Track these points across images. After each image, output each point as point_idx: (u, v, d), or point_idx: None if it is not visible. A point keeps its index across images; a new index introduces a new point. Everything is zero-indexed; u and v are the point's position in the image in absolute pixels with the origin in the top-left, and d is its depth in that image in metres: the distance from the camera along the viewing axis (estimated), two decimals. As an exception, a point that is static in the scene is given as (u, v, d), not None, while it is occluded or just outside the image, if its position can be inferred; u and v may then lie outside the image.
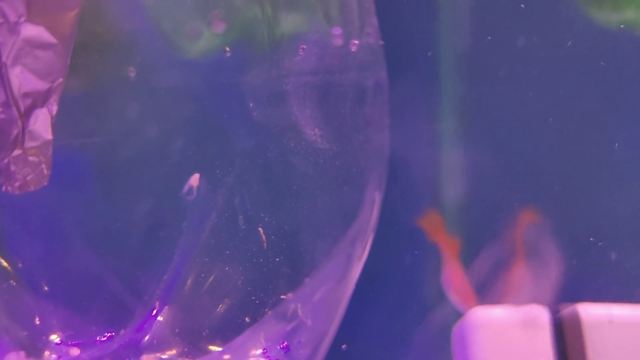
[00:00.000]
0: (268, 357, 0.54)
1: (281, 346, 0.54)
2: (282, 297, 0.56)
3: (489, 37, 0.65)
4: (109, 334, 0.58)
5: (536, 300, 0.54)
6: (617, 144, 0.65)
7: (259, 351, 0.54)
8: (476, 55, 0.66)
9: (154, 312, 0.57)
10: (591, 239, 0.62)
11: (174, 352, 0.56)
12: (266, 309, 0.57)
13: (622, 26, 0.64)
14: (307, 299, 0.53)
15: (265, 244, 0.59)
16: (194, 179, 0.57)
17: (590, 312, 0.49)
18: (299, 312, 0.54)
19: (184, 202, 0.61)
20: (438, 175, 0.64)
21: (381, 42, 0.55)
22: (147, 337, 0.56)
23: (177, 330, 0.57)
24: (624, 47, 0.65)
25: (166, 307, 0.57)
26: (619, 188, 0.64)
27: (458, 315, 0.56)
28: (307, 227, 0.59)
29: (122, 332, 0.57)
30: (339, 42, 0.52)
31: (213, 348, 0.57)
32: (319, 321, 0.54)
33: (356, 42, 0.54)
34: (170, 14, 0.61)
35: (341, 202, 0.57)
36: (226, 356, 0.54)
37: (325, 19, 0.54)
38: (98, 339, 0.57)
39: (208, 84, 0.62)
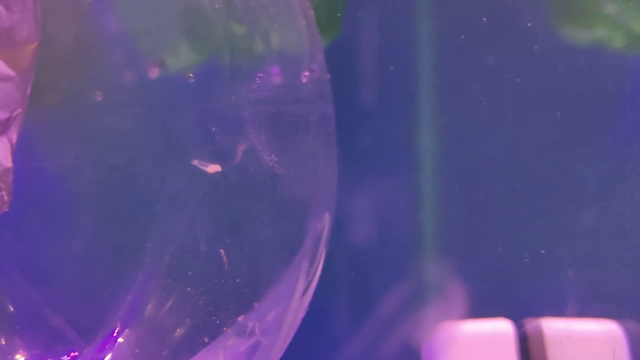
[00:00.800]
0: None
1: None
2: (238, 318, 0.58)
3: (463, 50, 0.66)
4: (73, 354, 0.59)
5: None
6: (582, 161, 0.66)
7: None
8: (447, 72, 0.67)
9: (115, 332, 0.58)
10: (542, 251, 0.64)
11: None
12: (225, 329, 0.59)
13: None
14: (260, 318, 0.55)
15: (226, 265, 0.61)
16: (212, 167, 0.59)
17: (552, 327, 0.52)
18: (256, 331, 0.55)
19: (148, 223, 0.63)
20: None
21: (328, 76, 0.57)
22: (107, 358, 0.57)
23: (137, 350, 0.58)
24: (595, 64, 0.65)
25: (127, 328, 0.59)
26: (580, 205, 0.65)
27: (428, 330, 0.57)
28: (265, 249, 0.61)
29: (84, 352, 0.59)
30: (278, 80, 0.54)
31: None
32: (274, 340, 0.56)
33: (306, 74, 0.56)
34: (136, 38, 0.62)
35: (296, 224, 0.59)
36: None
37: (276, 52, 0.56)
38: (62, 359, 0.59)
39: (171, 109, 0.63)
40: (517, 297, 0.65)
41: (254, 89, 0.59)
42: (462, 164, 0.70)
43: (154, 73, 0.58)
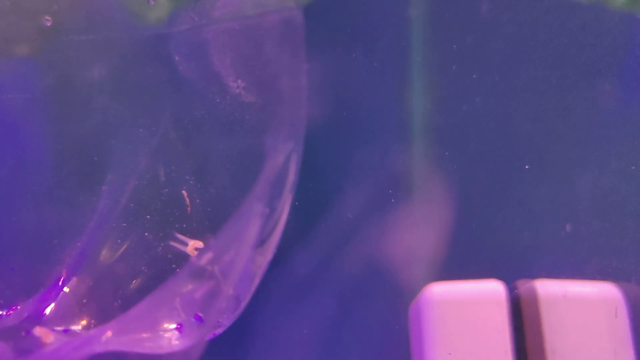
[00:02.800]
0: (181, 331, 0.48)
1: (195, 317, 0.48)
2: (191, 254, 0.51)
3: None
4: (15, 307, 0.52)
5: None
6: (581, 119, 0.59)
7: (173, 325, 0.48)
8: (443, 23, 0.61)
9: (60, 281, 0.51)
10: (537, 206, 0.57)
11: (79, 325, 0.50)
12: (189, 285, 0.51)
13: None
14: (217, 259, 0.48)
15: (189, 208, 0.53)
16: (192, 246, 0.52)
17: (547, 288, 0.48)
18: (216, 273, 0.48)
19: (103, 163, 0.56)
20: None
21: None
22: (50, 309, 0.50)
23: (84, 301, 0.51)
24: (595, 21, 0.61)
25: (74, 276, 0.51)
26: (582, 162, 0.58)
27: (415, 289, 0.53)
28: (233, 190, 0.54)
29: (24, 301, 0.52)
30: None
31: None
32: (233, 285, 0.48)
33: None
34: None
35: (262, 158, 0.52)
36: (144, 334, 0.48)
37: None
38: (5, 312, 0.52)
39: (130, 37, 0.56)
40: (509, 257, 0.59)
41: (218, 5, 0.52)
42: (454, 119, 0.63)
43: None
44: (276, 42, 0.50)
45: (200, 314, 0.49)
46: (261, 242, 0.49)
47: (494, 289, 0.48)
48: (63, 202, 0.56)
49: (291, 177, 0.49)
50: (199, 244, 0.52)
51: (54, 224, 0.56)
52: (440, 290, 0.48)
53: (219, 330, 0.49)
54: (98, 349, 0.47)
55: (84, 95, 0.57)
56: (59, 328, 0.49)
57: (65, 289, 0.51)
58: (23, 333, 0.48)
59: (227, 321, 0.49)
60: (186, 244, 0.52)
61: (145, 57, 0.56)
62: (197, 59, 0.54)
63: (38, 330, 0.48)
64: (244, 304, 0.48)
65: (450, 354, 0.46)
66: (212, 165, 0.55)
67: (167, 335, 0.49)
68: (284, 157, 0.49)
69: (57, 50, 0.56)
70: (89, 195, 0.56)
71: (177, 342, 0.48)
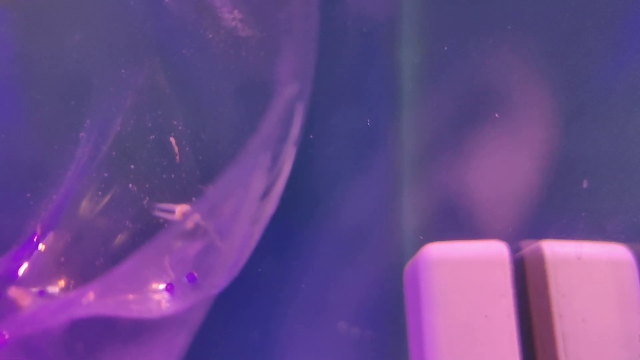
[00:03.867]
0: (172, 292, 0.43)
1: (187, 277, 0.43)
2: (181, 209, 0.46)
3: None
4: (-15, 266, 0.46)
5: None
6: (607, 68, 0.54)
7: (162, 285, 0.43)
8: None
9: (35, 238, 0.45)
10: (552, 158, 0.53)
11: (57, 286, 0.44)
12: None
13: None
14: (212, 213, 0.42)
15: (177, 157, 0.48)
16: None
17: (555, 249, 0.45)
18: (210, 228, 0.43)
19: (81, 108, 0.50)
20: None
21: None
22: (24, 268, 0.45)
23: (62, 259, 0.45)
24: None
25: (51, 232, 0.46)
26: (601, 115, 0.54)
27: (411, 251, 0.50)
28: (225, 136, 0.48)
29: (-1, 262, 0.46)
30: None
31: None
32: (230, 242, 0.43)
33: None
34: None
35: (261, 103, 0.46)
36: (130, 295, 0.43)
37: None
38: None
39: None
40: (513, 216, 0.55)
41: None
42: (448, 71, 0.58)
43: None
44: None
45: (193, 273, 0.43)
46: (262, 196, 0.44)
47: (496, 249, 0.45)
48: (36, 150, 0.51)
49: (296, 127, 0.43)
50: (186, 208, 0.46)
51: (26, 174, 0.50)
52: (438, 251, 0.45)
53: (214, 291, 0.44)
54: (79, 312, 0.41)
55: (56, 31, 0.51)
56: (34, 289, 0.43)
57: (41, 246, 0.45)
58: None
59: (223, 281, 0.44)
60: (172, 212, 0.46)
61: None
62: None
63: (13, 291, 0.42)
64: (241, 263, 0.43)
65: (449, 317, 0.44)
66: (204, 110, 0.49)
67: (156, 296, 0.44)
68: (287, 102, 0.43)
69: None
70: (64, 142, 0.50)
71: (167, 304, 0.43)
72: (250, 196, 0.43)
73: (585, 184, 0.53)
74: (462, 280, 0.45)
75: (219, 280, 0.44)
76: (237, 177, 0.43)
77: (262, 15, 0.46)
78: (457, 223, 0.56)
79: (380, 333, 0.55)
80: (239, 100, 0.49)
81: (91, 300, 0.42)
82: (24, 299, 0.42)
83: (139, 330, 0.43)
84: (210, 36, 0.48)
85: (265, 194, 0.46)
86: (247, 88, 0.48)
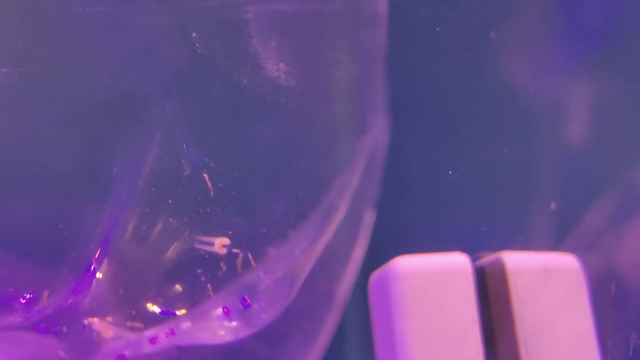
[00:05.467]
0: (229, 317, 0.47)
1: (241, 302, 0.48)
2: (220, 252, 0.50)
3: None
4: (30, 296, 0.48)
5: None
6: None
7: (219, 311, 0.48)
8: None
9: (92, 269, 0.48)
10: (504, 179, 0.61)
11: (119, 316, 0.48)
12: (221, 263, 0.51)
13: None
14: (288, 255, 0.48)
15: (211, 192, 0.52)
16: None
17: (514, 259, 0.50)
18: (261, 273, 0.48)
19: (112, 145, 0.53)
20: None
21: None
22: (86, 299, 0.47)
23: (120, 291, 0.49)
24: None
25: (104, 264, 0.49)
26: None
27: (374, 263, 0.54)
28: (258, 174, 0.53)
29: (48, 293, 0.48)
30: None
31: (156, 309, 0.50)
32: (282, 280, 0.49)
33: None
34: None
35: (304, 147, 0.52)
36: (186, 323, 0.47)
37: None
38: (18, 303, 0.48)
39: (140, 10, 0.53)
40: (470, 230, 0.62)
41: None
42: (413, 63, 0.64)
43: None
44: (340, 32, 0.49)
45: (246, 298, 0.49)
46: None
47: (459, 261, 0.50)
48: (67, 184, 0.53)
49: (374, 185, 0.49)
50: (225, 241, 0.51)
51: (59, 207, 0.52)
52: (407, 263, 0.50)
53: (268, 319, 0.49)
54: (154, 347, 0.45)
55: (87, 70, 0.53)
56: (110, 319, 0.46)
57: (98, 275, 0.48)
58: (80, 327, 0.45)
59: (273, 310, 0.49)
60: (212, 244, 0.51)
61: (156, 30, 0.54)
62: (223, 38, 0.52)
63: (97, 324, 0.45)
64: (297, 286, 0.49)
65: (419, 324, 0.48)
66: (235, 149, 0.54)
67: (215, 323, 0.48)
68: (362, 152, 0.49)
69: (58, 22, 0.52)
70: (96, 178, 0.53)
71: (227, 330, 0.48)
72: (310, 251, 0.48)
73: (553, 206, 0.60)
74: (429, 290, 0.48)
75: (271, 308, 0.50)
76: (312, 228, 0.48)
77: (309, 70, 0.51)
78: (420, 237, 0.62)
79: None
80: (272, 140, 0.54)
81: (170, 335, 0.46)
82: (107, 331, 0.46)
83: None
84: (245, 81, 0.53)
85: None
86: (283, 133, 0.54)
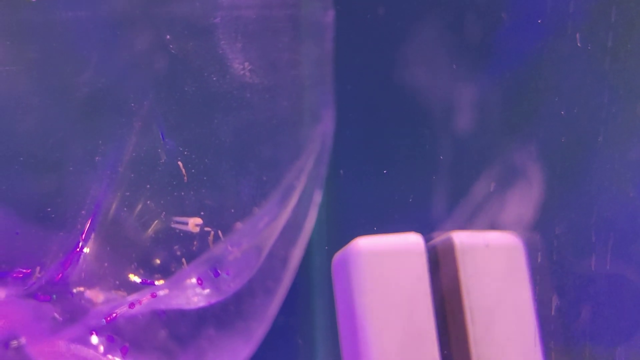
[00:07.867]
0: (202, 285, 0.54)
1: (212, 271, 0.54)
2: (194, 230, 0.57)
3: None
4: (25, 271, 0.55)
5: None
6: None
7: (193, 280, 0.54)
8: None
9: (79, 246, 0.55)
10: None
11: (105, 285, 0.54)
12: (194, 240, 0.57)
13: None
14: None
15: (185, 177, 0.59)
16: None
17: (462, 238, 0.53)
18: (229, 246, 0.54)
19: (95, 135, 0.59)
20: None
21: None
22: (75, 272, 0.54)
23: (105, 264, 0.55)
24: None
25: (90, 241, 0.55)
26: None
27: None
28: (227, 161, 0.60)
29: (40, 268, 0.55)
30: None
31: (137, 279, 0.56)
32: (248, 252, 0.55)
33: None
34: None
35: (266, 136, 0.58)
36: (164, 291, 0.53)
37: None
38: (16, 276, 0.54)
39: (119, 14, 0.60)
40: (424, 212, 0.66)
41: (227, -6, 0.57)
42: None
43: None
44: (297, 35, 0.56)
45: (216, 269, 0.55)
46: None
47: (413, 240, 0.53)
48: (55, 170, 0.59)
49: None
50: (198, 221, 0.58)
51: (47, 192, 0.58)
52: (365, 243, 0.53)
53: (237, 286, 0.56)
54: (142, 309, 0.52)
55: (71, 69, 0.59)
56: (96, 289, 0.53)
57: (86, 250, 0.54)
58: (70, 295, 0.51)
59: (241, 278, 0.56)
60: (186, 223, 0.57)
61: (135, 34, 0.60)
62: (195, 40, 0.59)
63: (86, 292, 0.51)
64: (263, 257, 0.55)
65: (377, 299, 0.51)
66: (206, 139, 0.60)
67: (189, 291, 0.55)
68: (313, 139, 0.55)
69: (44, 24, 0.58)
70: (80, 166, 0.59)
71: (201, 296, 0.54)
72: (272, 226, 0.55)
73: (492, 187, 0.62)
74: (386, 267, 0.51)
75: (239, 277, 0.56)
76: (272, 206, 0.55)
77: (271, 69, 0.58)
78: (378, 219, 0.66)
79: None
80: (240, 133, 0.60)
81: (151, 298, 0.53)
82: (98, 296, 0.52)
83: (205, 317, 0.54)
84: (214, 79, 0.59)
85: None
86: (248, 124, 0.60)
